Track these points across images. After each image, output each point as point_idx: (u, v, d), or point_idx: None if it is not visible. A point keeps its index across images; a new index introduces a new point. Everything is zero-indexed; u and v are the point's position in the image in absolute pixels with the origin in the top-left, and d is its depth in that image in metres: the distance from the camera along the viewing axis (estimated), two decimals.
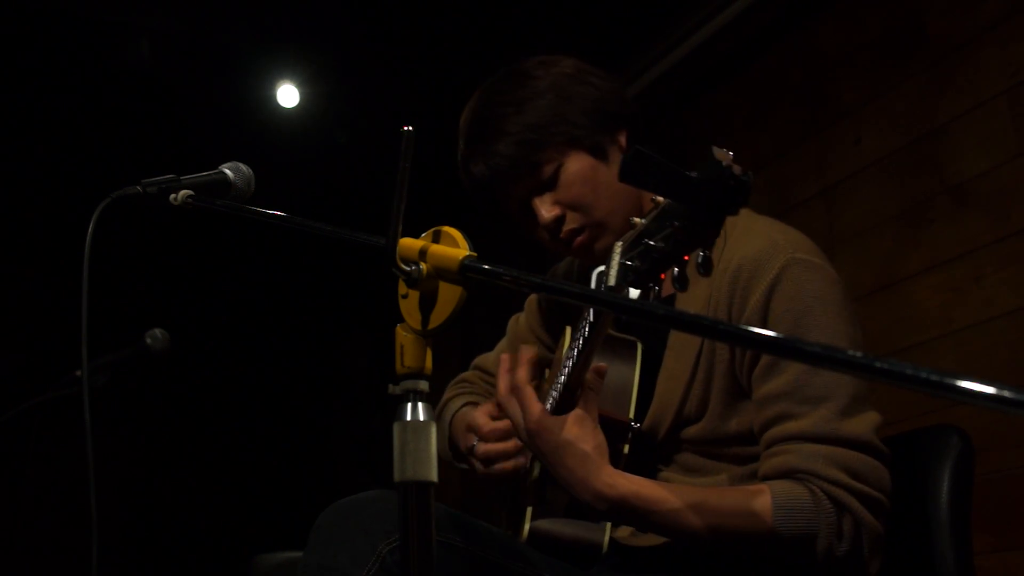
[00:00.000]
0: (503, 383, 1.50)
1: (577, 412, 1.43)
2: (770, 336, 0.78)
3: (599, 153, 1.68)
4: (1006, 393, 0.63)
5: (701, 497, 1.41)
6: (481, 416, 1.74)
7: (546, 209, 1.67)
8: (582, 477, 1.41)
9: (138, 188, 1.35)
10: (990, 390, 0.63)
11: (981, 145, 2.85)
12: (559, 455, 1.42)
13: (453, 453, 1.86)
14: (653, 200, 1.08)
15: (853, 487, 1.40)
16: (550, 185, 1.67)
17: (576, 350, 1.45)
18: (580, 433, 1.42)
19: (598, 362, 1.47)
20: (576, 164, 1.66)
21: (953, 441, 1.66)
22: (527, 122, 1.64)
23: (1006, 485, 2.64)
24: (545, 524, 1.59)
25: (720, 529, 1.40)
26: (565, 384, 1.50)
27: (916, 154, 3.04)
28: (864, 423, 1.45)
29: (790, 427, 1.45)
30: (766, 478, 1.46)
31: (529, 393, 1.46)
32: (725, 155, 0.92)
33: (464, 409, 1.87)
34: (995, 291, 2.77)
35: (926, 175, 3.00)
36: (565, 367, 1.51)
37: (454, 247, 1.06)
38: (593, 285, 1.57)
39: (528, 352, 1.53)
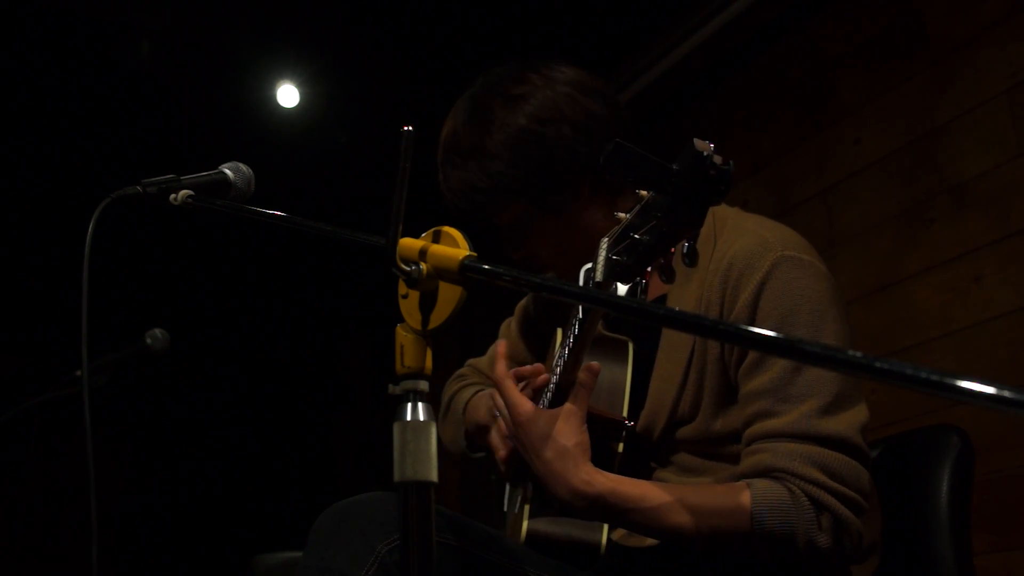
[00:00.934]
0: (500, 367, 1.54)
1: (566, 408, 1.44)
2: (769, 336, 0.78)
3: (556, 210, 1.66)
4: (1006, 393, 0.63)
5: (681, 495, 1.41)
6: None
7: (511, 248, 1.73)
8: (559, 472, 1.41)
9: (138, 188, 1.35)
10: (990, 390, 0.63)
11: (981, 145, 2.85)
12: (539, 448, 1.42)
13: (468, 444, 1.86)
14: (637, 194, 1.08)
15: (830, 486, 1.40)
16: (508, 232, 1.71)
17: (567, 349, 1.45)
18: (563, 428, 1.42)
19: (590, 361, 1.47)
20: (534, 225, 1.68)
21: (953, 441, 1.66)
22: (477, 185, 1.65)
23: (1006, 485, 2.64)
24: (543, 525, 1.58)
25: (700, 527, 1.40)
26: (557, 384, 1.50)
27: (916, 154, 3.04)
28: (845, 421, 1.43)
29: (770, 425, 1.44)
30: (744, 476, 1.46)
31: (510, 386, 1.49)
32: (706, 145, 0.92)
33: (478, 395, 1.88)
34: (995, 291, 2.77)
35: (926, 175, 3.00)
36: (557, 367, 1.51)
37: (454, 247, 1.06)
38: (581, 282, 1.58)
39: (502, 346, 1.59)
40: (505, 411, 1.49)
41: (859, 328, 3.02)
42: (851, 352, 0.71)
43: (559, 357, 1.52)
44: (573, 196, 1.66)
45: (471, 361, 2.11)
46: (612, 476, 1.42)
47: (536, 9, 3.94)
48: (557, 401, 1.49)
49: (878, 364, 0.69)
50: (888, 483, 1.66)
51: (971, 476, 1.65)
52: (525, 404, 1.46)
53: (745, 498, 1.40)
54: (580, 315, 1.41)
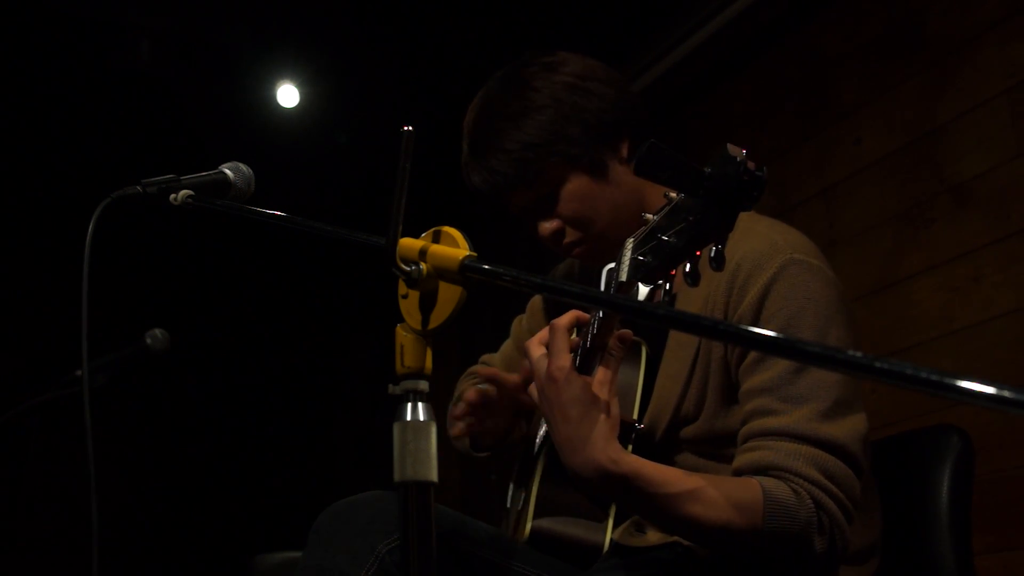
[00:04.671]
0: (565, 319, 1.42)
1: (600, 375, 1.36)
2: (771, 336, 0.78)
3: (598, 170, 1.66)
4: (1006, 393, 0.63)
5: (699, 485, 1.39)
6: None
7: (545, 223, 1.69)
8: (585, 442, 1.32)
9: (138, 188, 1.35)
10: (990, 390, 0.63)
11: (981, 145, 2.85)
12: (571, 410, 1.33)
13: (472, 443, 1.86)
14: (666, 196, 1.08)
15: (830, 490, 1.40)
16: (548, 201, 1.67)
17: (582, 349, 1.44)
18: (598, 399, 1.34)
19: (623, 330, 1.39)
20: (573, 184, 1.65)
21: (953, 441, 1.66)
22: (524, 140, 1.62)
23: (1006, 485, 2.64)
24: (547, 523, 1.59)
25: (714, 519, 1.38)
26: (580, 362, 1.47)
27: (916, 154, 3.04)
28: (845, 428, 1.44)
29: (769, 423, 1.44)
30: (741, 472, 1.45)
31: (563, 339, 1.37)
32: (739, 151, 0.92)
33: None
34: (995, 291, 2.77)
35: (926, 175, 3.00)
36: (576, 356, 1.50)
37: (454, 247, 1.06)
38: (603, 281, 1.57)
39: (582, 315, 1.46)
40: (543, 362, 1.37)
41: (859, 328, 3.02)
42: (851, 352, 0.72)
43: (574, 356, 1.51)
44: (613, 156, 1.68)
45: (484, 357, 2.11)
46: (637, 458, 1.38)
47: (535, 10, 3.94)
48: None
49: (878, 364, 0.69)
50: (888, 483, 1.66)
51: (971, 476, 1.65)
52: (566, 359, 1.35)
53: (758, 494, 1.39)
54: (600, 315, 1.39)
